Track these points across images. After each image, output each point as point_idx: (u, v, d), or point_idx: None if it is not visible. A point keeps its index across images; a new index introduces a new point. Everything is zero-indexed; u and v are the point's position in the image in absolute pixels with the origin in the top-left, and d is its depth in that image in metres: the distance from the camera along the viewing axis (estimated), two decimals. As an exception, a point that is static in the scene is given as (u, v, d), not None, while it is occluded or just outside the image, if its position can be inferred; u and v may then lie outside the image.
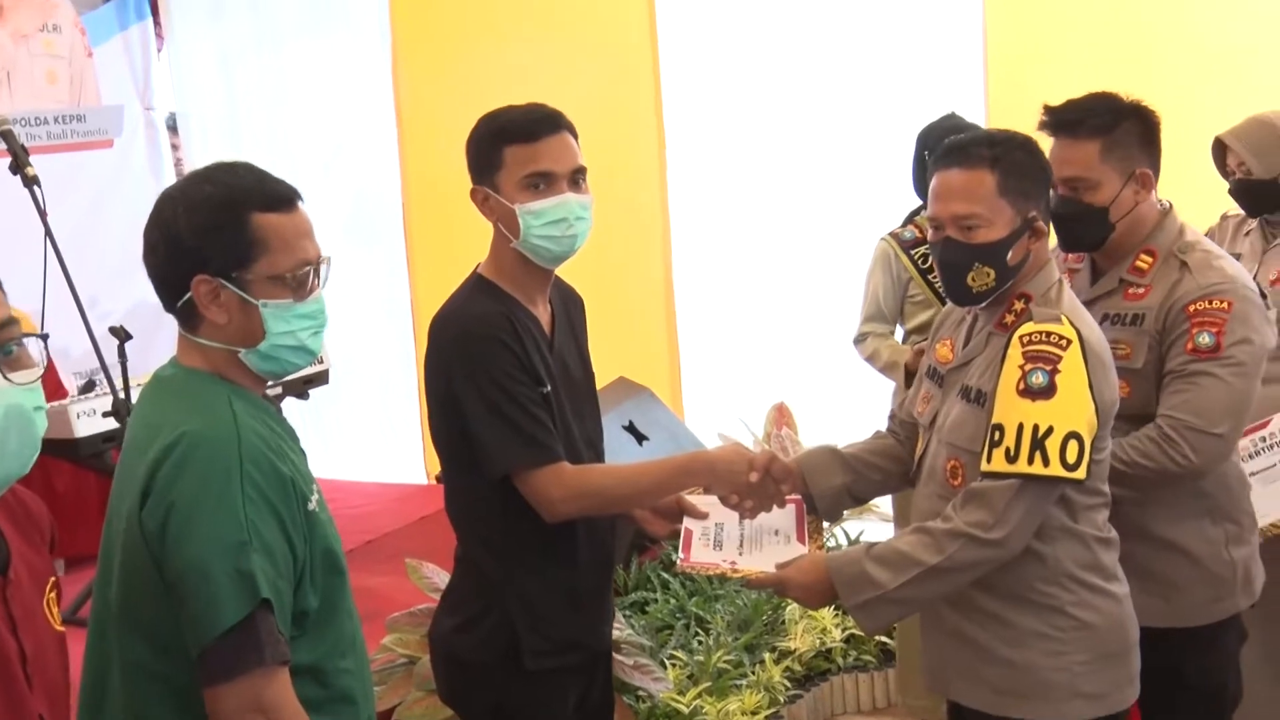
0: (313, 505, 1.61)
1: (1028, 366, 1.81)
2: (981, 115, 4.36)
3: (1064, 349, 1.82)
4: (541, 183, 1.97)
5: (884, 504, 4.27)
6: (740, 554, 2.13)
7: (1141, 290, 2.22)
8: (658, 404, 4.63)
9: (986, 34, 4.52)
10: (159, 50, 6.26)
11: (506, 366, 1.95)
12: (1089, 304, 2.23)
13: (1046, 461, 1.78)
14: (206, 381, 1.62)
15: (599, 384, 4.84)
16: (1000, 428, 1.82)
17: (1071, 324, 1.85)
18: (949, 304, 2.17)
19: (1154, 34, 4.25)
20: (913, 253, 3.25)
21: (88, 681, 1.64)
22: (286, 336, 1.63)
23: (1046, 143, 2.22)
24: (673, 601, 3.89)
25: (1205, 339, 2.12)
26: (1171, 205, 2.31)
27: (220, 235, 1.58)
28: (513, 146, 1.97)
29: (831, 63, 5.02)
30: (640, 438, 4.34)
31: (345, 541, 5.70)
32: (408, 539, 5.05)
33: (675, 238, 5.33)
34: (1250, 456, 2.58)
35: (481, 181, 2.02)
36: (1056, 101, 2.29)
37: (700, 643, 3.64)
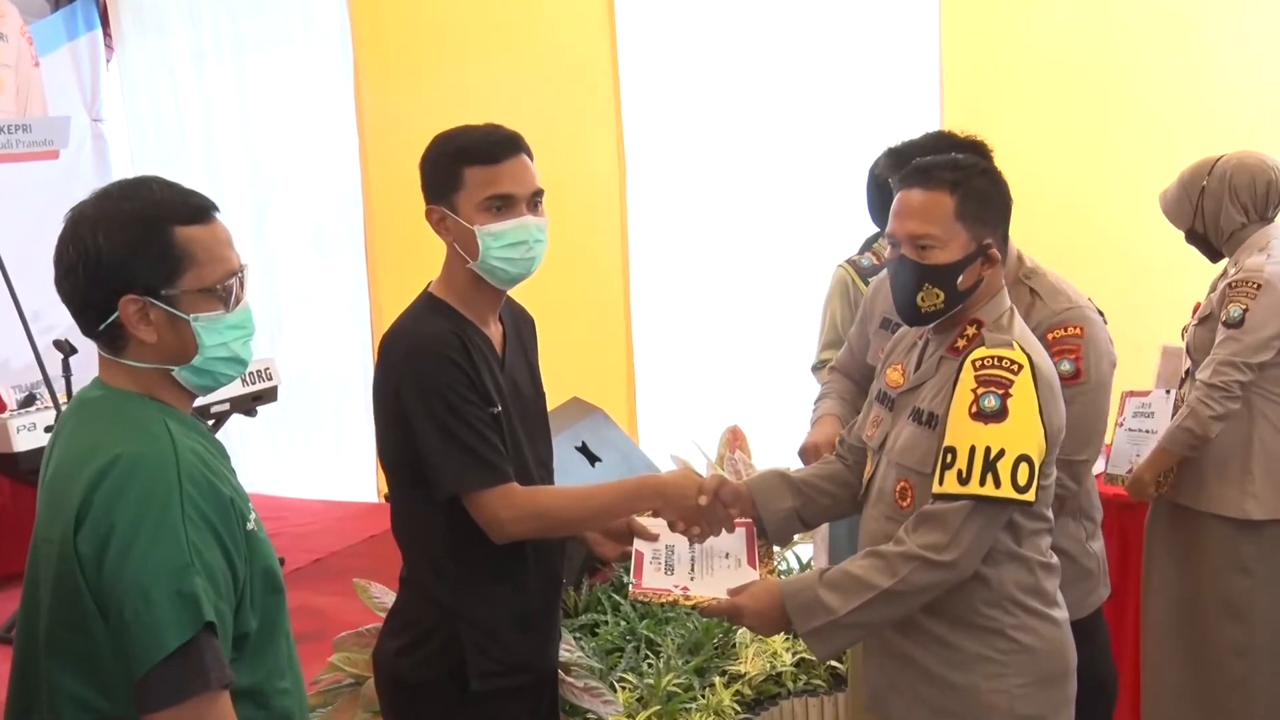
0: (251, 525, 1.60)
1: (980, 390, 1.84)
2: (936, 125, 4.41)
3: (1015, 374, 1.84)
4: (501, 205, 1.98)
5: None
6: (691, 578, 2.12)
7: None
8: (610, 425, 4.63)
9: (942, 57, 4.59)
10: (108, 61, 6.19)
11: (457, 385, 1.95)
12: None
13: (998, 483, 1.81)
14: (137, 403, 1.60)
15: (552, 404, 4.84)
16: (953, 450, 1.84)
17: (1023, 349, 1.88)
18: (900, 329, 2.21)
19: (1112, 53, 4.33)
20: (871, 280, 3.26)
21: (13, 713, 1.60)
22: (219, 348, 1.62)
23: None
24: (623, 624, 3.88)
25: (1066, 367, 2.23)
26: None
27: (145, 252, 1.55)
28: (473, 168, 1.98)
29: (789, 86, 5.06)
30: (592, 459, 4.33)
31: (292, 560, 5.70)
32: (356, 558, 5.01)
33: (633, 257, 5.35)
34: (1134, 415, 3.15)
35: (438, 201, 2.02)
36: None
37: (650, 665, 3.63)
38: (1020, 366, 1.85)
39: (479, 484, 1.96)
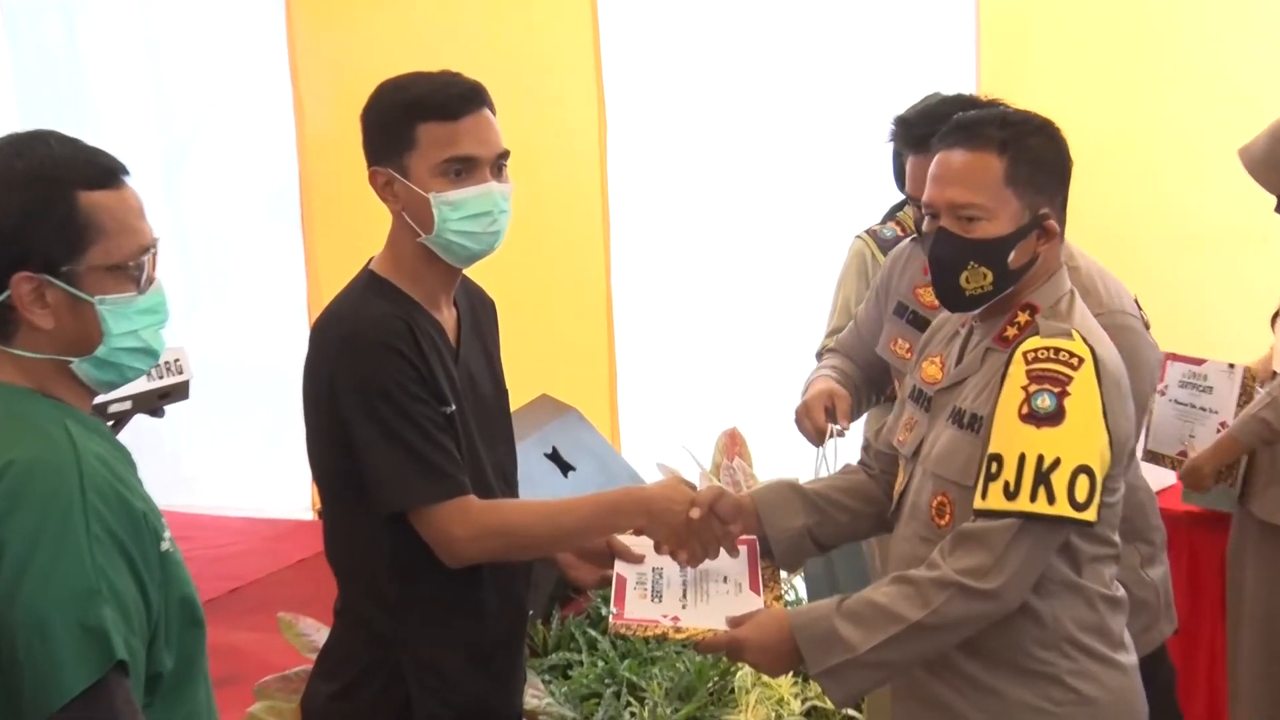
0: (166, 545, 1.58)
1: (1032, 387, 1.81)
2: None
3: (1075, 369, 1.81)
4: (461, 168, 1.96)
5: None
6: (683, 606, 2.10)
7: None
8: (586, 427, 4.62)
9: (980, 18, 4.62)
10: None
11: (403, 380, 1.92)
12: None
13: (1052, 499, 1.77)
14: (28, 400, 1.57)
15: (519, 402, 4.84)
16: (998, 458, 1.81)
17: (1085, 340, 1.85)
18: (940, 314, 2.18)
19: (1151, 22, 4.40)
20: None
21: None
22: (128, 337, 1.61)
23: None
24: (601, 664, 3.86)
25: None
26: None
27: (44, 220, 1.53)
28: (428, 124, 1.95)
29: (793, 45, 5.13)
30: (565, 467, 4.33)
31: (206, 589, 5.60)
32: (282, 586, 5.00)
33: (615, 233, 5.35)
34: (1180, 385, 3.20)
35: (384, 162, 1.99)
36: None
37: (634, 715, 3.61)
38: (1081, 360, 1.82)
39: (429, 497, 1.93)
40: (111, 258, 1.57)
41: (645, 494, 2.11)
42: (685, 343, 5.42)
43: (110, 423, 4.48)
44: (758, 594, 2.11)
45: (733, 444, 4.81)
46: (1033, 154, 1.92)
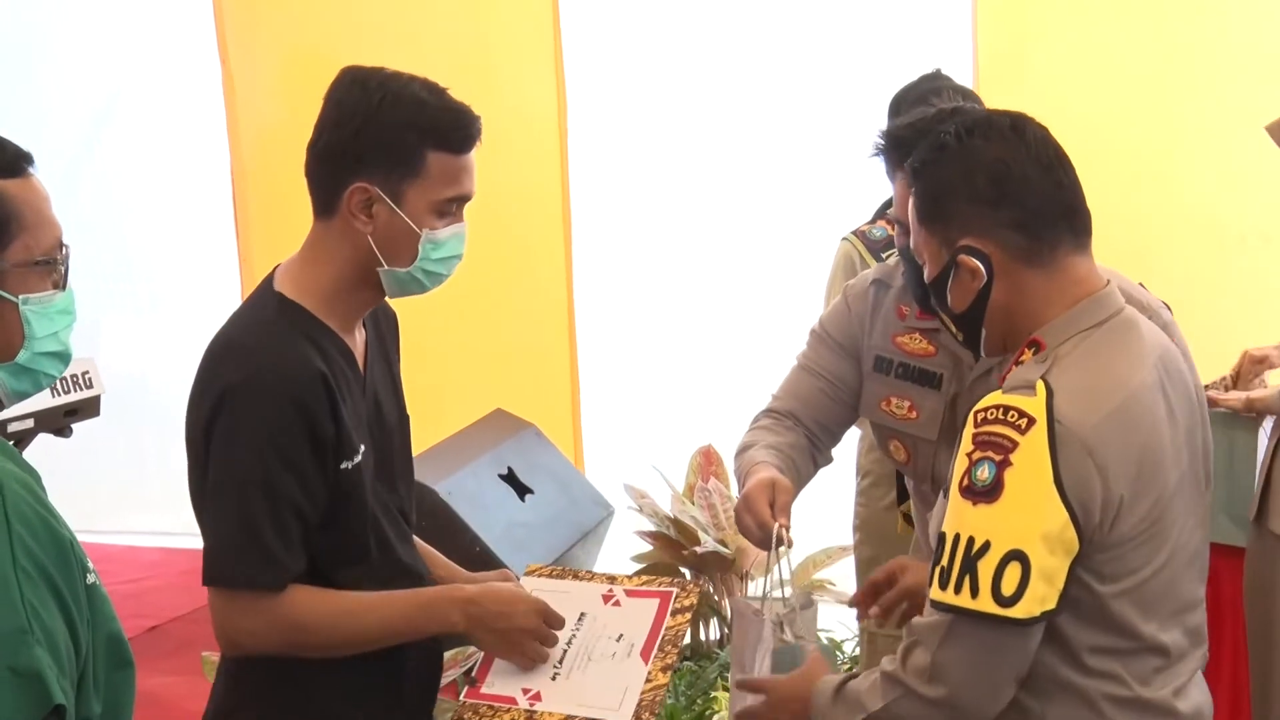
0: (91, 577, 1.57)
1: (975, 455, 1.70)
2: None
3: (1022, 432, 1.67)
4: (457, 207, 1.97)
5: (841, 580, 4.30)
6: (554, 676, 2.05)
7: None
8: (545, 445, 4.61)
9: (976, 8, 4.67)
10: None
11: (283, 440, 1.87)
12: None
13: (976, 591, 1.67)
14: None
15: (473, 417, 4.76)
16: (942, 538, 1.74)
17: (1049, 395, 1.70)
18: (937, 357, 2.26)
19: (1151, 16, 4.50)
20: (883, 256, 3.20)
21: None
22: (50, 340, 1.62)
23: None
24: None
25: None
26: None
27: None
28: (441, 155, 1.92)
29: (762, 36, 5.21)
30: (522, 490, 4.30)
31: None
32: (205, 624, 4.88)
33: (576, 235, 5.35)
34: None
35: (374, 180, 1.91)
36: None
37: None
38: (1031, 421, 1.67)
39: (234, 580, 1.90)
40: (33, 253, 1.58)
41: (465, 594, 2.05)
42: (654, 351, 5.44)
43: (10, 444, 4.42)
44: (646, 662, 2.06)
45: (708, 463, 4.82)
46: (932, 182, 1.84)
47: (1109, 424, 1.71)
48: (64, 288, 1.63)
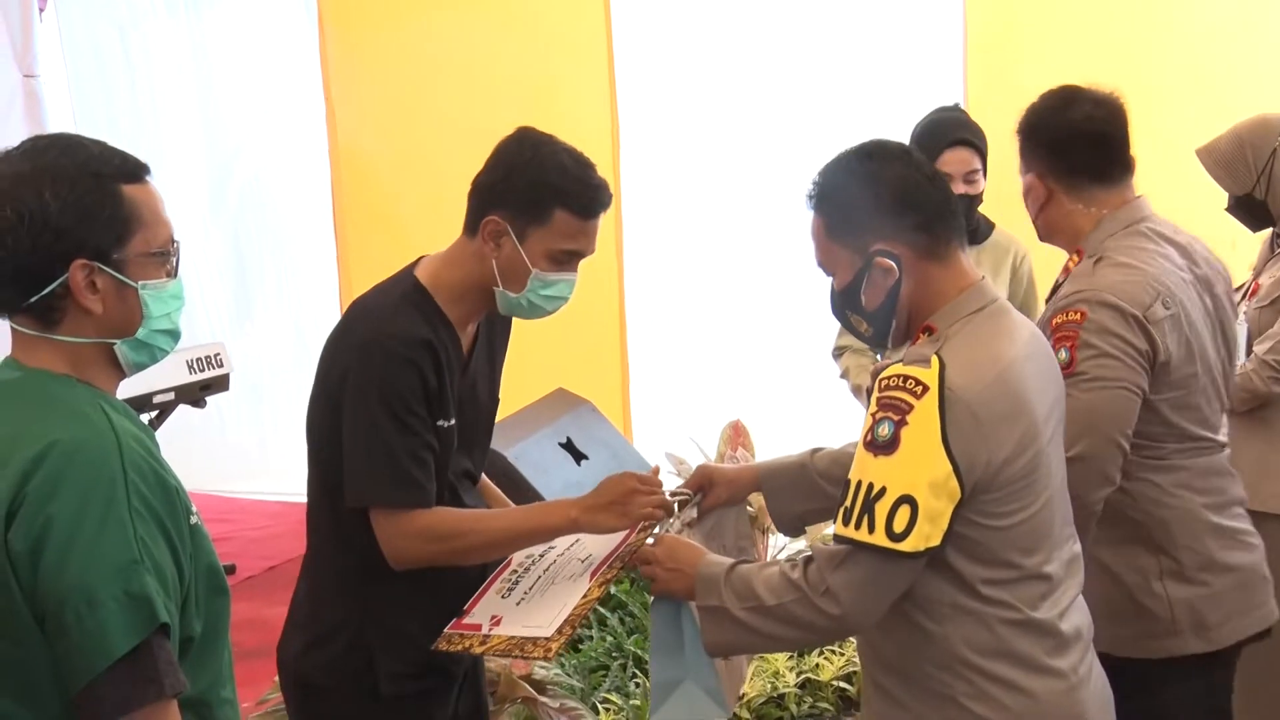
0: (194, 519, 1.61)
1: (878, 415, 1.73)
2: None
3: (918, 397, 1.71)
4: (569, 259, 2.04)
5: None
6: (519, 603, 2.04)
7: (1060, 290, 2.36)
8: (599, 419, 4.63)
9: (966, 24, 4.62)
10: (41, 11, 6.22)
11: (407, 392, 1.96)
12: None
13: (872, 528, 1.70)
14: (66, 385, 1.59)
15: (536, 395, 4.82)
16: (847, 484, 1.76)
17: (942, 367, 1.72)
18: None
19: (1136, 23, 4.39)
20: None
21: None
22: (163, 319, 1.64)
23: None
24: (609, 639, 3.90)
25: (1062, 355, 2.18)
26: (1133, 202, 2.38)
27: (97, 211, 1.56)
28: (566, 214, 2.01)
29: (800, 54, 5.13)
30: (579, 456, 4.34)
31: (245, 567, 5.67)
32: (315, 565, 5.02)
33: (627, 237, 5.36)
34: None
35: (506, 215, 2.01)
36: (1037, 94, 2.39)
37: (638, 685, 3.65)
38: (926, 389, 1.70)
39: (392, 501, 1.97)
40: (150, 246, 1.61)
41: (570, 499, 2.08)
42: (693, 340, 5.41)
43: (155, 413, 4.56)
44: (590, 580, 2.05)
45: (736, 435, 4.81)
46: (841, 200, 1.87)
47: (991, 390, 1.74)
48: (175, 276, 1.65)
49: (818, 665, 3.82)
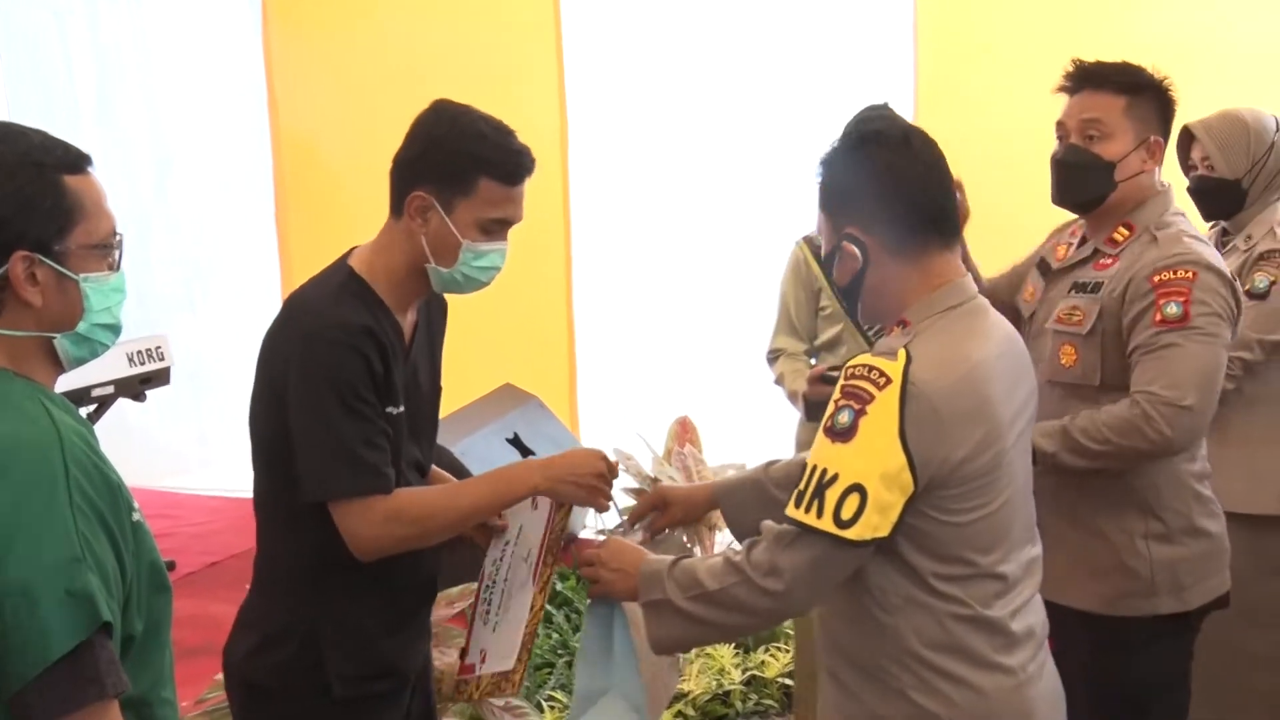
0: (136, 515, 1.59)
1: (841, 402, 1.74)
2: (910, 108, 4.49)
3: (880, 388, 1.71)
4: (499, 228, 2.03)
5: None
6: (496, 626, 2.07)
7: (1109, 260, 2.44)
8: (546, 414, 4.63)
9: (917, 26, 4.65)
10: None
11: (354, 380, 1.94)
12: (1066, 270, 2.49)
13: (820, 513, 1.70)
14: (4, 379, 1.56)
15: (482, 390, 4.80)
16: (804, 466, 1.77)
17: (908, 361, 1.73)
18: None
19: (1085, 29, 4.42)
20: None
21: None
22: (104, 313, 1.62)
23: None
24: (555, 636, 3.91)
25: (1173, 309, 2.29)
26: (1169, 187, 2.50)
27: (38, 203, 1.54)
28: (491, 182, 1.99)
29: (750, 56, 5.15)
30: (526, 452, 4.32)
31: (186, 563, 5.59)
32: (257, 561, 4.98)
33: (575, 231, 5.36)
34: None
35: (431, 190, 1.99)
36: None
37: (585, 682, 3.66)
38: (888, 381, 1.71)
39: (350, 491, 1.94)
40: (92, 238, 1.59)
41: (539, 461, 2.07)
42: (641, 336, 5.42)
43: (94, 406, 4.48)
44: (534, 584, 2.08)
45: (684, 431, 4.84)
46: (832, 176, 1.88)
47: (955, 387, 1.74)
48: (118, 269, 1.63)
49: (763, 662, 3.84)
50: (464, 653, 2.14)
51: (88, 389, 4.29)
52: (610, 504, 2.08)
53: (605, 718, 1.97)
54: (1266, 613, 2.89)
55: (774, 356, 3.34)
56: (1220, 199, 3.01)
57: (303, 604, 2.04)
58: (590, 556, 1.96)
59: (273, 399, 2.00)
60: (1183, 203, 2.86)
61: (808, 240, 3.30)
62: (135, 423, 5.85)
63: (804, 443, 3.27)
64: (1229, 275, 2.36)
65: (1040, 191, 2.69)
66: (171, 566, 4.70)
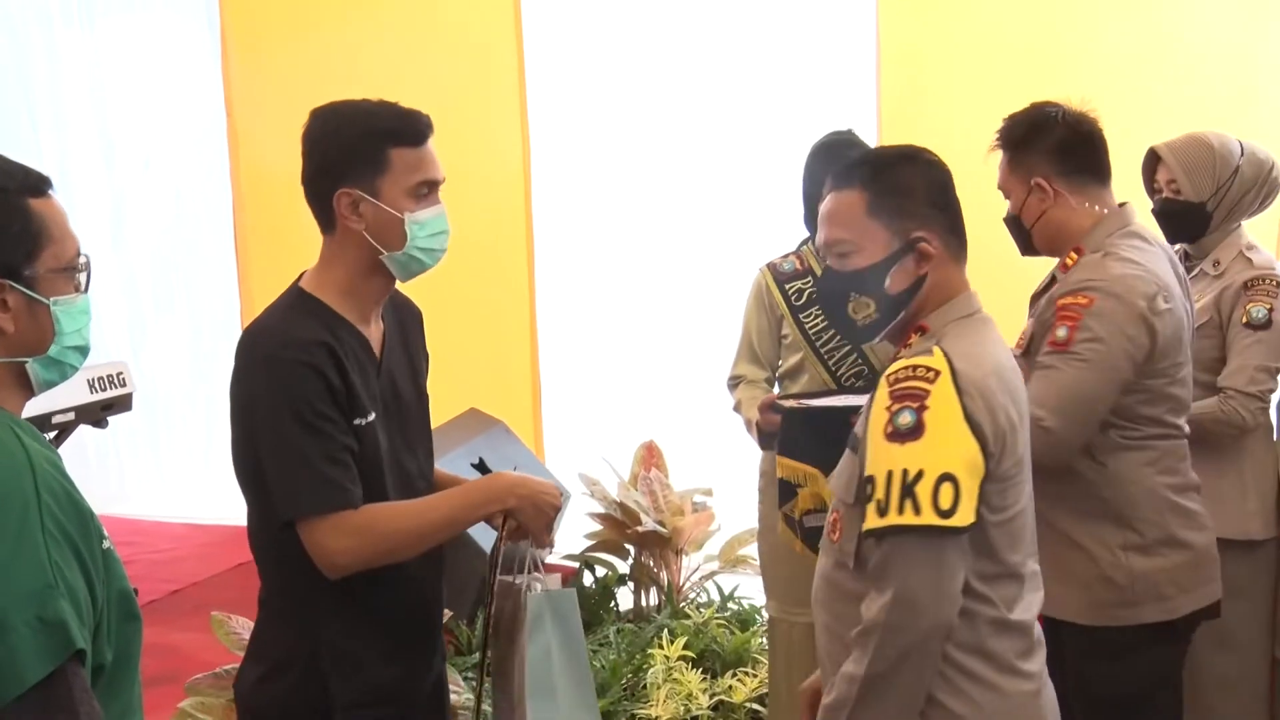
0: (106, 543, 1.58)
1: (895, 406, 1.75)
2: (873, 129, 4.51)
3: (932, 382, 1.74)
4: (428, 190, 2.02)
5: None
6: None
7: (1058, 284, 2.51)
8: (512, 439, 4.63)
9: (880, 38, 4.68)
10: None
11: (311, 396, 1.93)
12: (1037, 296, 2.59)
13: (918, 509, 1.70)
14: None
15: (448, 416, 4.78)
16: (871, 480, 1.76)
17: (945, 354, 1.78)
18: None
19: (1049, 42, 4.45)
20: (787, 287, 3.19)
21: None
22: (75, 335, 1.61)
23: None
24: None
25: (1061, 332, 2.37)
26: (1124, 208, 2.55)
27: (6, 227, 1.53)
28: (400, 149, 1.99)
29: (713, 70, 5.16)
30: (491, 477, 4.31)
31: (147, 592, 5.54)
32: (219, 589, 4.94)
33: (539, 253, 5.34)
34: None
35: (351, 184, 1.99)
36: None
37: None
38: (937, 373, 1.75)
39: (311, 508, 1.93)
40: (60, 261, 1.58)
41: (511, 478, 2.07)
42: (606, 360, 5.42)
43: (54, 433, 4.42)
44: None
45: (650, 456, 4.84)
46: (895, 183, 1.90)
47: (989, 381, 1.79)
48: (85, 290, 1.63)
49: (730, 687, 3.83)
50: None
51: (48, 415, 4.23)
52: (552, 543, 2.11)
53: None
54: (1229, 635, 2.91)
55: (734, 383, 3.33)
56: (1185, 222, 3.01)
57: (302, 634, 2.03)
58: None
59: (244, 432, 2.00)
60: (1147, 224, 2.89)
61: (772, 267, 3.29)
62: (92, 449, 5.79)
63: (766, 471, 3.23)
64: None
65: (1001, 210, 2.74)
66: (133, 593, 4.64)
